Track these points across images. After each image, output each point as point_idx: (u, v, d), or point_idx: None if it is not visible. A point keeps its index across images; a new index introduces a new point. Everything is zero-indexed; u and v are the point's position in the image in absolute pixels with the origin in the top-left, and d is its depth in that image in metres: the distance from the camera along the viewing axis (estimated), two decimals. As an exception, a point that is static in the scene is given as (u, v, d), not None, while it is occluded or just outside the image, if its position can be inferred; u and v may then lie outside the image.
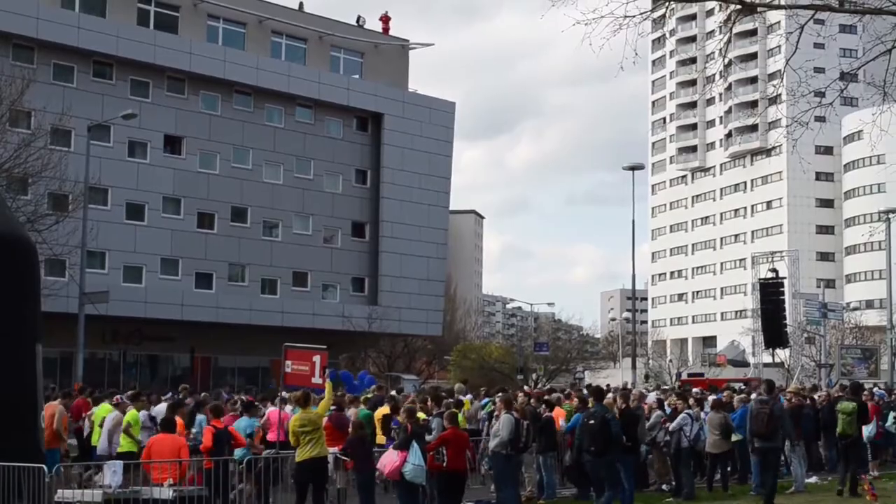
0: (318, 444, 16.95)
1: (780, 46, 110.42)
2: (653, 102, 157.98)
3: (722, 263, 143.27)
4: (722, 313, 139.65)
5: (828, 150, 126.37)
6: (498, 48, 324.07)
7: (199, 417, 21.60)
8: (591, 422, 17.92)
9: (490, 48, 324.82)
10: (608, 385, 41.88)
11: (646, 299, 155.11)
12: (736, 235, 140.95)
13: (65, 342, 43.72)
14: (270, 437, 21.04)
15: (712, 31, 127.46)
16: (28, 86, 41.60)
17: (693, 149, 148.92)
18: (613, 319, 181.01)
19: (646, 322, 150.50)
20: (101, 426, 21.41)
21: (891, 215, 60.03)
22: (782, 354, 67.92)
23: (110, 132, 54.06)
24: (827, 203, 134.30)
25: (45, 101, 46.49)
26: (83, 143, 45.80)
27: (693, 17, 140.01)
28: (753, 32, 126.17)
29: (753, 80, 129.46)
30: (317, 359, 20.20)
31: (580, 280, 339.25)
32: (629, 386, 40.22)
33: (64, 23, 53.44)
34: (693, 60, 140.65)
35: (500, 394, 23.32)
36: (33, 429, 15.73)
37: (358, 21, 66.97)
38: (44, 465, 14.83)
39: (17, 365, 15.30)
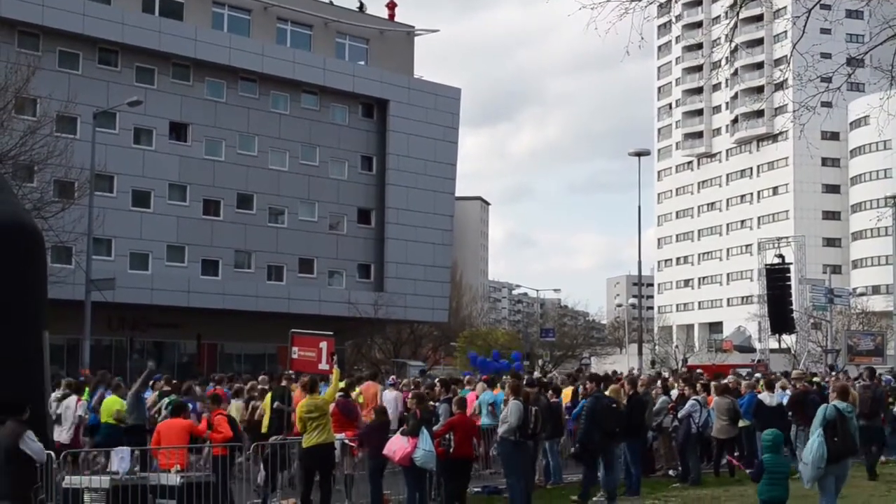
0: (324, 430, 16.98)
1: (786, 31, 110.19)
2: (658, 88, 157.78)
3: (728, 249, 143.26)
4: (728, 299, 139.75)
5: (834, 136, 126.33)
6: (498, 36, 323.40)
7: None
8: (615, 405, 18.63)
9: (491, 36, 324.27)
10: (614, 371, 41.91)
11: (652, 285, 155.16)
12: (742, 221, 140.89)
13: (71, 329, 43.75)
14: None
15: (718, 17, 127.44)
16: (33, 73, 41.65)
17: (699, 135, 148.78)
18: (619, 305, 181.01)
19: (652, 308, 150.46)
20: None
21: (897, 201, 59.95)
22: (789, 340, 67.98)
23: (116, 119, 54.07)
24: (833, 189, 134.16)
25: (51, 88, 46.56)
26: (89, 130, 45.82)
27: (699, 2, 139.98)
28: (759, 17, 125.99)
29: (759, 65, 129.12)
30: (323, 345, 20.29)
31: (584, 267, 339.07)
32: (635, 372, 40.24)
33: (69, 10, 53.38)
34: (699, 46, 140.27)
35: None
36: (41, 416, 15.74)
37: (360, 7, 66.81)
38: (51, 452, 14.85)
39: (24, 352, 15.31)
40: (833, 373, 39.38)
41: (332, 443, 17.35)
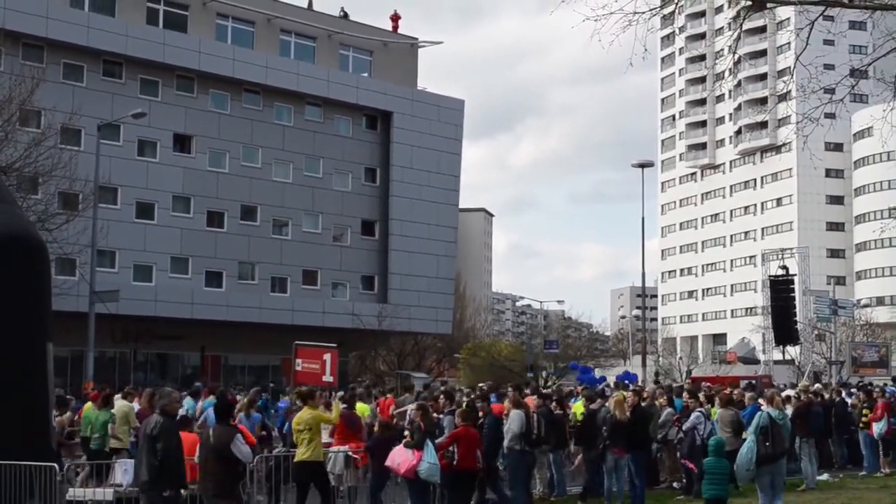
0: (310, 445, 16.75)
1: (789, 43, 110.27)
2: (662, 100, 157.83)
3: (732, 260, 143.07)
4: (732, 310, 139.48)
5: (838, 147, 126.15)
6: (500, 48, 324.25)
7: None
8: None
9: (492, 48, 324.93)
10: (617, 383, 41.76)
11: (655, 296, 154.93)
12: (746, 232, 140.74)
13: (75, 341, 43.77)
14: None
15: (721, 28, 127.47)
16: (38, 85, 41.57)
17: (703, 146, 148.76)
18: (623, 317, 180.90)
19: (655, 319, 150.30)
20: None
21: (901, 212, 59.94)
22: (793, 351, 67.87)
23: (120, 131, 54.14)
24: (837, 200, 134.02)
25: (55, 100, 46.51)
26: (93, 142, 45.86)
27: (702, 13, 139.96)
28: (763, 29, 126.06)
29: (763, 76, 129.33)
30: (327, 357, 20.33)
31: (588, 278, 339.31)
32: (639, 383, 40.10)
33: (73, 22, 53.55)
34: (702, 57, 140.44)
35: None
36: (45, 427, 15.76)
37: (344, 15, 66.57)
38: (55, 464, 14.86)
39: (28, 364, 15.33)
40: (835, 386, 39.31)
41: (318, 461, 17.06)
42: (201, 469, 13.43)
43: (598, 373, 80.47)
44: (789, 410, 23.48)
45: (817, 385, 34.71)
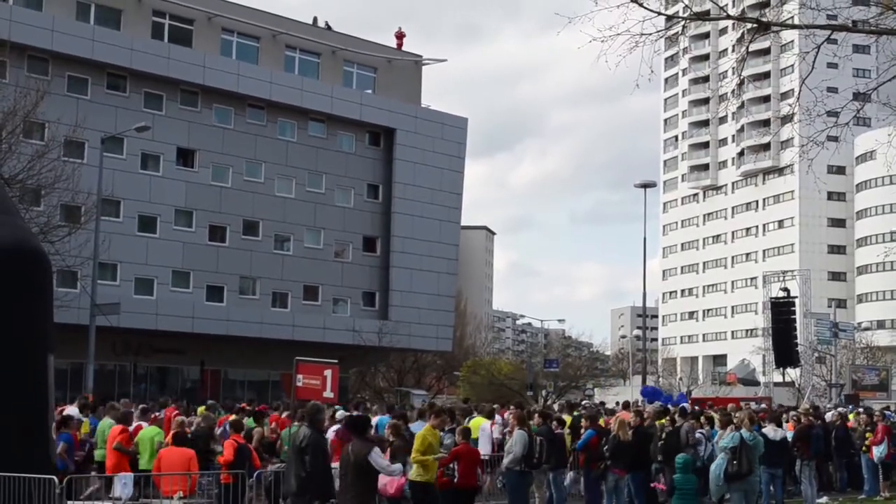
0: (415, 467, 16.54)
1: (793, 66, 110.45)
2: (665, 120, 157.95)
3: (733, 282, 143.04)
4: (733, 332, 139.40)
5: (840, 170, 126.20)
6: (499, 69, 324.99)
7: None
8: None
9: (491, 69, 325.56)
10: (617, 402, 41.75)
11: (656, 317, 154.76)
12: (747, 254, 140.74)
13: (75, 353, 43.70)
14: None
15: (725, 50, 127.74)
16: (42, 98, 41.57)
17: (705, 167, 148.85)
18: (623, 337, 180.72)
19: (656, 340, 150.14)
20: None
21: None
22: (793, 374, 67.77)
23: (123, 144, 54.17)
24: (839, 223, 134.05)
25: (59, 112, 46.53)
26: (96, 155, 45.86)
27: (706, 35, 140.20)
28: (767, 51, 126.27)
29: (766, 98, 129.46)
30: (328, 373, 20.23)
31: (588, 297, 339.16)
32: (639, 404, 39.96)
33: (79, 35, 53.62)
34: (706, 79, 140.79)
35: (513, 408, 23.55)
36: (45, 440, 15.73)
37: (327, 26, 66.50)
38: (54, 477, 14.82)
39: (30, 376, 15.31)
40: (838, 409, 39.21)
41: (414, 480, 16.67)
42: (342, 483, 13.87)
43: (598, 392, 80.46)
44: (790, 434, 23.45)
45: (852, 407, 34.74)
